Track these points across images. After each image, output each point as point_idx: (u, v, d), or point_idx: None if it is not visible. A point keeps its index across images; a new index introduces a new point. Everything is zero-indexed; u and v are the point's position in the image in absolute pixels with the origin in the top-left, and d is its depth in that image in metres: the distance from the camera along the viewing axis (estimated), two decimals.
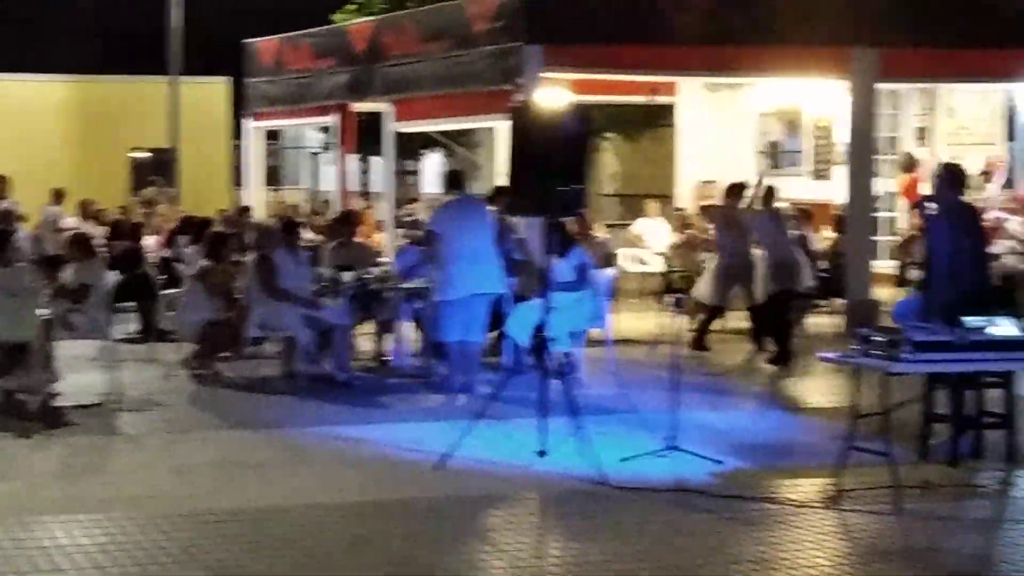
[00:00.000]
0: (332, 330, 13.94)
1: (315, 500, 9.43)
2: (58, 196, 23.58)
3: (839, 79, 18.54)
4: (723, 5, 18.55)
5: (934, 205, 11.00)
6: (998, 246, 17.33)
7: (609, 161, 32.54)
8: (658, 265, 20.71)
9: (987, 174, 21.28)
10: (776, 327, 15.68)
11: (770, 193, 16.25)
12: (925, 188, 22.03)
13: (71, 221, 21.89)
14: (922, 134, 23.17)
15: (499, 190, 15.07)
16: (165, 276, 16.78)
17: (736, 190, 16.30)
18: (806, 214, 18.47)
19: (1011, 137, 21.75)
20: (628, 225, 22.42)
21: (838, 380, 13.61)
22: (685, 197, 22.92)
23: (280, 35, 23.03)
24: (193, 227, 18.01)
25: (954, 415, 10.47)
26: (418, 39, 18.92)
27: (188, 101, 31.42)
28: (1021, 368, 9.98)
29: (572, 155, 10.65)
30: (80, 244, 13.93)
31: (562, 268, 14.05)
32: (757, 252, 15.97)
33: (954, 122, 22.81)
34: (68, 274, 13.61)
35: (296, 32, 22.61)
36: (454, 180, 14.05)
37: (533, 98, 15.82)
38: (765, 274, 15.86)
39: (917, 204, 15.65)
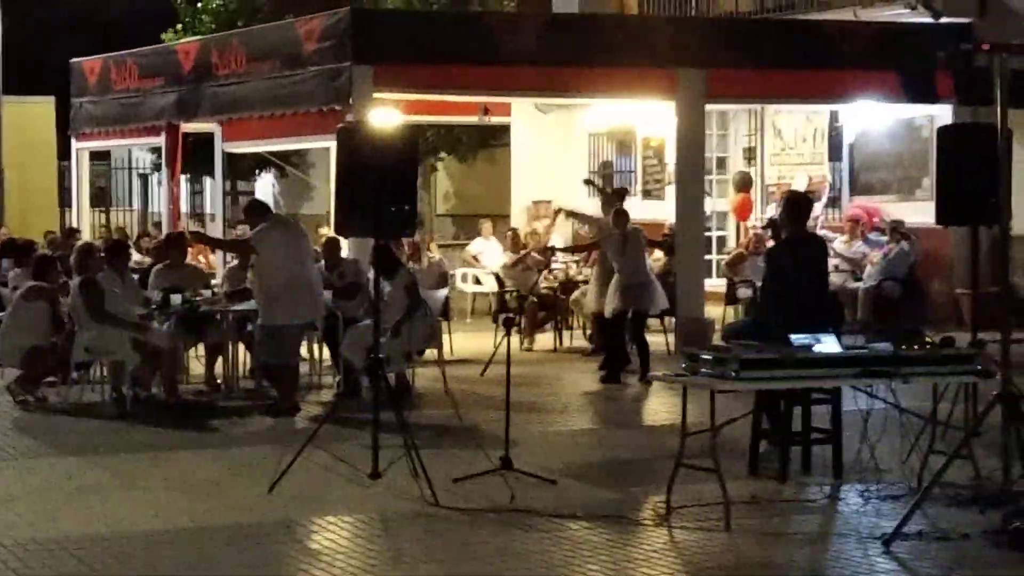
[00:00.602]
0: (161, 353, 13.72)
1: (144, 527, 9.25)
2: None
3: (668, 100, 18.78)
4: (553, 27, 18.72)
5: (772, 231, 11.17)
6: None
7: (443, 181, 32.60)
8: (492, 285, 20.80)
9: (812, 194, 21.69)
10: (614, 347, 15.80)
11: (621, 213, 16.27)
12: (758, 208, 22.49)
13: None
14: (750, 154, 23.57)
15: None
16: None
17: (621, 210, 16.26)
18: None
19: (834, 157, 22.20)
20: (463, 245, 22.46)
21: (670, 398, 13.75)
22: (519, 217, 23.02)
23: (107, 54, 22.66)
24: (16, 250, 17.62)
25: (782, 431, 10.63)
26: (247, 59, 18.75)
27: (12, 121, 30.78)
28: (845, 384, 10.14)
29: (402, 175, 10.61)
30: None
31: (392, 289, 14.03)
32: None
33: (780, 142, 23.24)
34: None
35: (123, 51, 22.26)
36: (256, 210, 13.97)
37: (363, 118, 15.77)
38: (614, 293, 15.93)
39: (766, 226, 15.86)
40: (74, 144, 24.10)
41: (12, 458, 11.52)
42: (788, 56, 18.63)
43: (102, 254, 14.69)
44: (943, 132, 11.16)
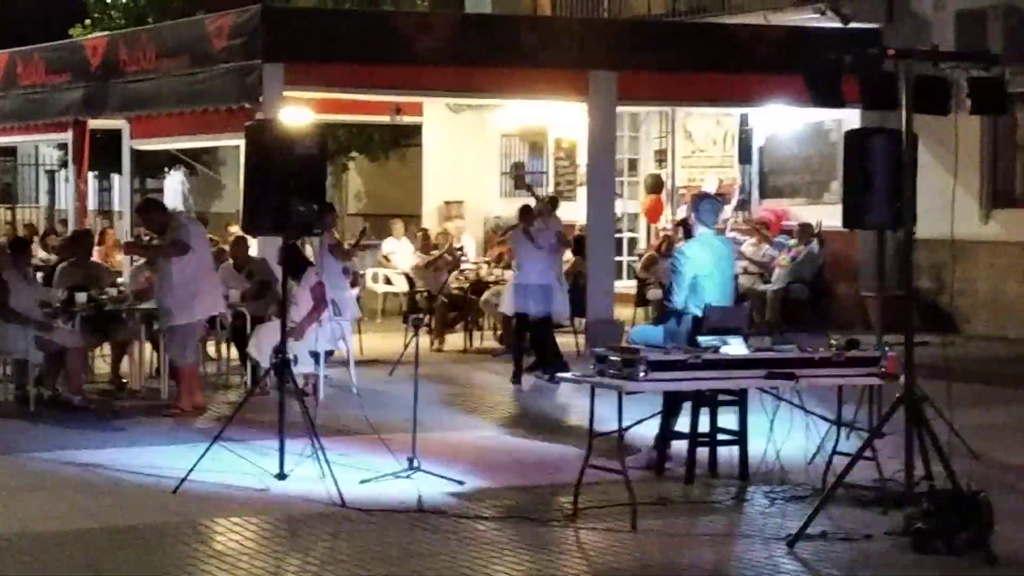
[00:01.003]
0: (65, 352, 13.56)
1: (47, 528, 9.14)
2: None
3: (578, 101, 18.82)
4: (465, 27, 18.69)
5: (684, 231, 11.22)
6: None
7: (355, 180, 32.48)
8: (403, 285, 20.76)
9: (722, 196, 21.83)
10: (516, 347, 15.83)
11: (524, 211, 16.29)
12: (669, 210, 22.61)
13: None
14: (661, 156, 23.69)
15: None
16: None
17: (527, 210, 16.27)
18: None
19: (744, 160, 22.36)
20: (375, 245, 22.39)
21: (579, 399, 13.77)
22: (431, 217, 23.00)
23: (12, 49, 22.35)
24: None
25: (690, 432, 10.68)
26: (157, 55, 18.54)
27: None
28: (751, 386, 10.21)
29: (310, 174, 10.56)
30: None
31: (299, 289, 13.94)
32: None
33: (691, 145, 23.38)
34: None
35: (30, 46, 21.97)
36: (159, 208, 13.87)
37: (273, 116, 15.67)
38: (513, 294, 15.96)
39: (678, 226, 15.88)
40: None
41: None
42: (699, 59, 18.73)
43: (8, 252, 14.50)
44: (850, 136, 11.24)
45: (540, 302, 15.64)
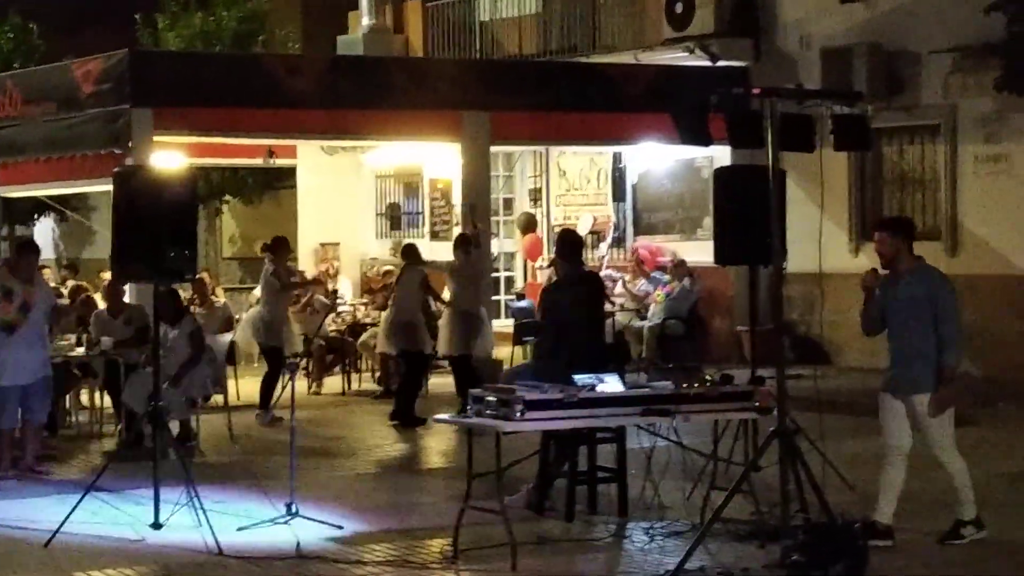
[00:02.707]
0: None
1: None
2: None
3: (452, 142, 18.87)
4: (336, 69, 18.67)
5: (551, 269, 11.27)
6: (608, 305, 17.84)
7: (229, 224, 32.21)
8: None
9: (596, 234, 21.99)
10: (402, 387, 15.84)
11: (407, 250, 16.46)
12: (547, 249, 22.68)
13: None
14: (536, 195, 23.79)
15: None
16: None
17: (463, 240, 16.39)
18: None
19: (618, 197, 22.52)
20: (250, 288, 22.19)
21: (457, 440, 13.75)
22: (307, 259, 22.86)
23: None
24: None
25: (568, 471, 10.70)
26: (23, 101, 18.32)
27: None
28: (628, 423, 10.26)
29: (180, 220, 10.47)
30: None
31: (175, 335, 13.80)
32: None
33: (565, 183, 23.50)
34: None
35: None
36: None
37: (142, 161, 15.53)
38: (387, 332, 16.03)
39: (550, 265, 15.91)
40: None
41: None
42: (571, 98, 18.89)
43: None
44: (719, 174, 11.42)
45: (397, 338, 15.91)
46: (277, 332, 16.09)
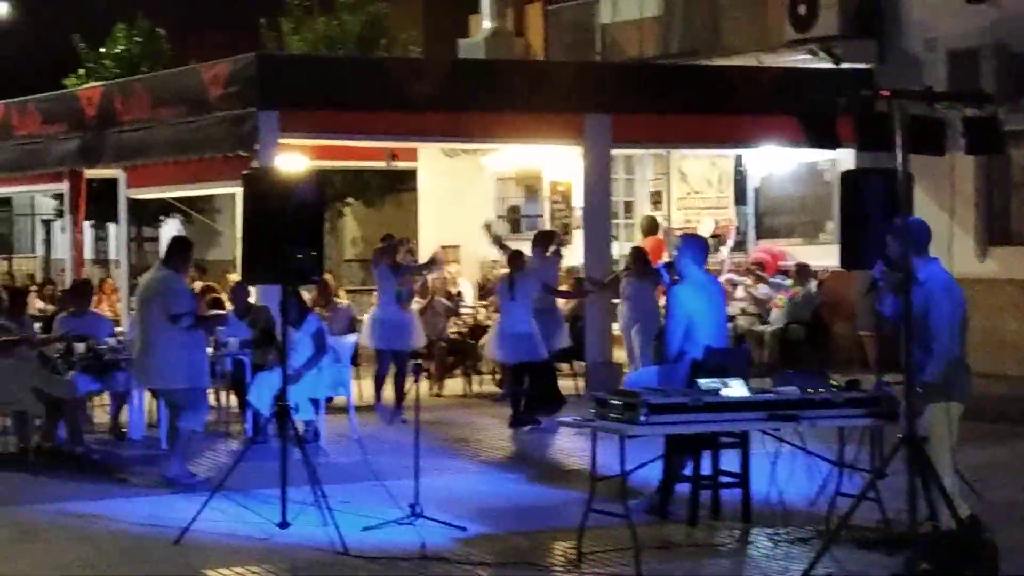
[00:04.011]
0: (64, 403, 13.54)
1: None
2: None
3: (573, 145, 18.87)
4: (458, 72, 18.75)
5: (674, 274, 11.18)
6: (730, 308, 17.74)
7: (351, 226, 32.51)
8: None
9: (718, 237, 21.87)
10: (513, 392, 15.87)
11: (513, 257, 16.37)
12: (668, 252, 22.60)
13: None
14: (657, 198, 23.72)
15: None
16: None
17: (516, 256, 16.34)
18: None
19: (740, 201, 22.39)
20: (372, 290, 22.36)
21: (579, 443, 13.76)
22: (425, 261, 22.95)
23: (8, 100, 22.41)
24: None
25: (692, 475, 10.66)
26: (152, 104, 18.59)
27: None
28: (752, 428, 10.20)
29: (308, 222, 10.58)
30: None
31: (300, 336, 13.95)
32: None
33: (686, 186, 23.41)
34: None
35: (25, 97, 22.04)
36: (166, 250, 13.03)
37: (269, 164, 15.71)
38: (495, 342, 16.04)
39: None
40: None
41: None
42: (693, 101, 18.81)
43: (5, 301, 14.54)
44: (846, 177, 11.29)
45: (515, 351, 15.69)
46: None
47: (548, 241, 17.43)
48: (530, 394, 15.74)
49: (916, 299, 9.11)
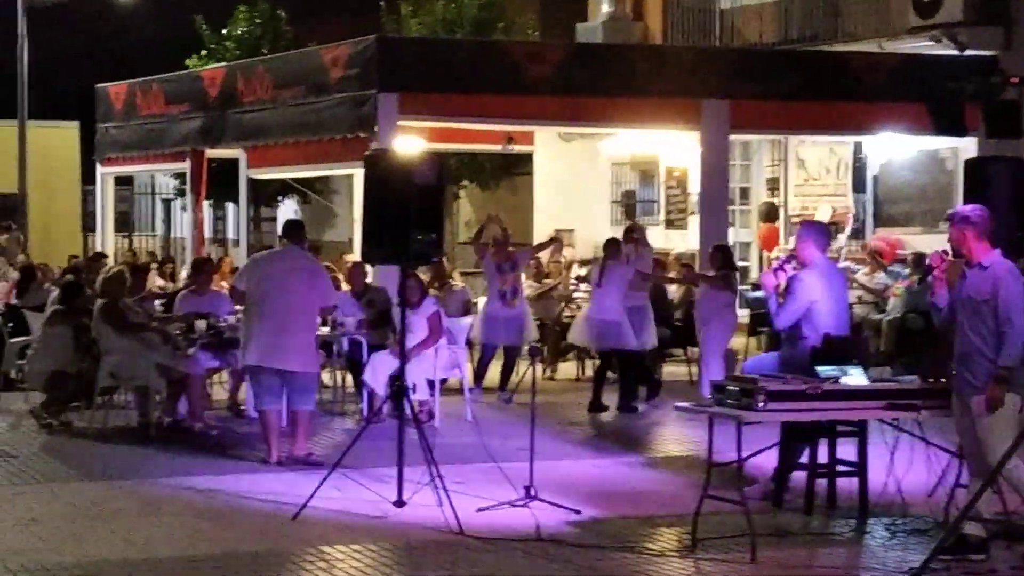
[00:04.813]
0: (186, 379, 13.75)
1: (168, 553, 9.26)
2: None
3: (690, 130, 18.79)
4: (576, 56, 18.73)
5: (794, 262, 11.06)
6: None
7: (466, 209, 32.63)
8: None
9: (835, 225, 21.69)
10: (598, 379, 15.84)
11: (609, 245, 16.28)
12: (782, 239, 22.47)
13: None
14: (773, 184, 23.57)
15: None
16: (12, 324, 16.43)
17: (611, 243, 16.30)
18: (659, 264, 18.62)
19: (858, 188, 22.19)
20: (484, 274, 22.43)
21: (693, 429, 13.73)
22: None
23: (132, 80, 22.76)
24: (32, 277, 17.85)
25: (809, 464, 10.59)
26: (272, 86, 18.81)
27: (37, 146, 30.92)
28: (871, 417, 10.11)
29: (428, 203, 10.63)
30: None
31: (416, 318, 14.04)
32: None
33: (804, 173, 23.24)
34: None
35: (148, 77, 22.36)
36: (288, 230, 13.04)
37: (388, 146, 15.80)
38: (580, 326, 16.01)
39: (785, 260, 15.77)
40: (99, 169, 24.18)
41: (37, 482, 11.53)
42: (812, 87, 18.65)
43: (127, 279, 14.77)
44: (971, 165, 11.13)
45: (600, 337, 15.67)
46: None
47: (631, 235, 17.33)
48: (622, 382, 15.71)
49: (981, 285, 8.97)
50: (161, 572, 8.80)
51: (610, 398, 15.63)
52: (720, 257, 16.14)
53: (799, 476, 10.66)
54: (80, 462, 12.39)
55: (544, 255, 21.79)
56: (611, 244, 16.15)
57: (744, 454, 9.53)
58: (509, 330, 16.60)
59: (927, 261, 9.53)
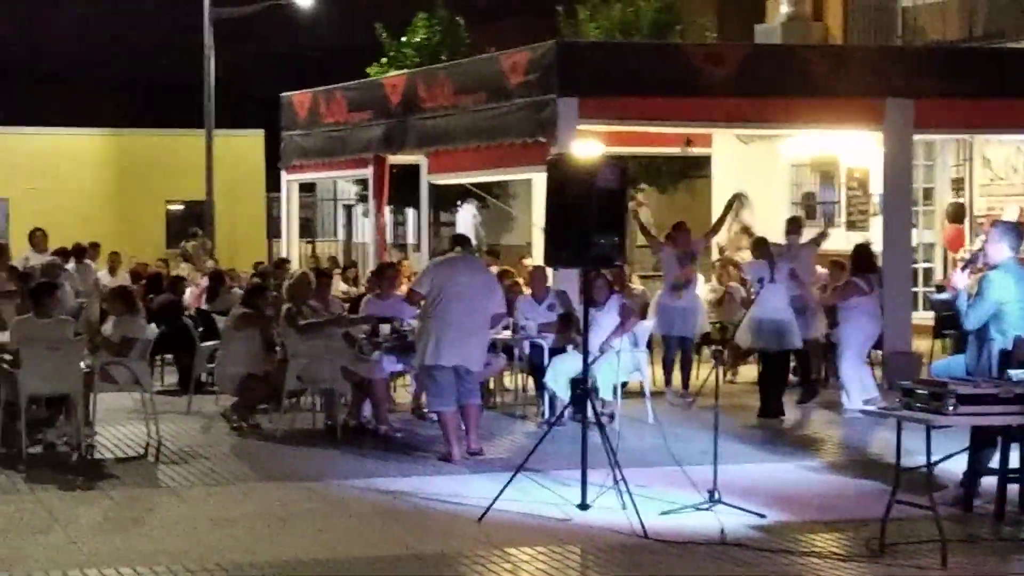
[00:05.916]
0: (371, 382, 13.95)
1: (355, 553, 9.41)
2: (82, 252, 22.72)
3: (873, 130, 18.53)
4: (755, 57, 18.58)
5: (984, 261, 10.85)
6: None
7: (644, 212, 32.57)
8: None
9: (1023, 225, 21.20)
10: (764, 383, 15.69)
11: (757, 243, 16.18)
12: (968, 240, 22.03)
13: (101, 275, 21.91)
14: (958, 185, 23.15)
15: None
16: (202, 328, 16.83)
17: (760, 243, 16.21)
18: (839, 266, 18.37)
19: None
20: (662, 276, 22.38)
21: (879, 432, 13.54)
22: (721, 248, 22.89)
23: (315, 88, 23.16)
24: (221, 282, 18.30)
25: (1000, 469, 10.39)
26: (453, 92, 18.98)
27: (223, 154, 31.67)
28: None
29: (611, 206, 10.66)
30: (122, 297, 13.97)
31: (603, 317, 14.08)
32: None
33: (990, 172, 22.79)
34: (109, 327, 13.68)
35: (331, 85, 22.74)
36: (461, 240, 13.43)
37: (569, 150, 15.84)
38: (748, 326, 15.85)
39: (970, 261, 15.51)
40: (284, 176, 24.62)
41: (228, 483, 11.80)
42: (999, 85, 18.26)
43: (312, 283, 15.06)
44: None
45: (769, 338, 15.51)
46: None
47: (798, 227, 17.10)
48: (778, 384, 15.56)
49: None
50: (347, 572, 8.94)
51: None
52: (855, 260, 15.96)
53: (989, 481, 10.46)
54: (269, 464, 12.65)
55: (723, 235, 21.40)
56: (793, 221, 16.45)
57: (934, 458, 9.38)
58: (682, 320, 16.58)
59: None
